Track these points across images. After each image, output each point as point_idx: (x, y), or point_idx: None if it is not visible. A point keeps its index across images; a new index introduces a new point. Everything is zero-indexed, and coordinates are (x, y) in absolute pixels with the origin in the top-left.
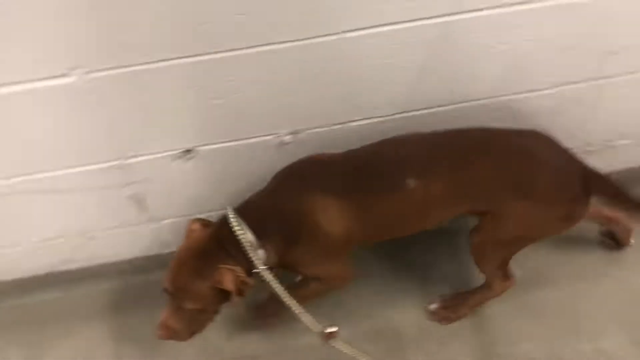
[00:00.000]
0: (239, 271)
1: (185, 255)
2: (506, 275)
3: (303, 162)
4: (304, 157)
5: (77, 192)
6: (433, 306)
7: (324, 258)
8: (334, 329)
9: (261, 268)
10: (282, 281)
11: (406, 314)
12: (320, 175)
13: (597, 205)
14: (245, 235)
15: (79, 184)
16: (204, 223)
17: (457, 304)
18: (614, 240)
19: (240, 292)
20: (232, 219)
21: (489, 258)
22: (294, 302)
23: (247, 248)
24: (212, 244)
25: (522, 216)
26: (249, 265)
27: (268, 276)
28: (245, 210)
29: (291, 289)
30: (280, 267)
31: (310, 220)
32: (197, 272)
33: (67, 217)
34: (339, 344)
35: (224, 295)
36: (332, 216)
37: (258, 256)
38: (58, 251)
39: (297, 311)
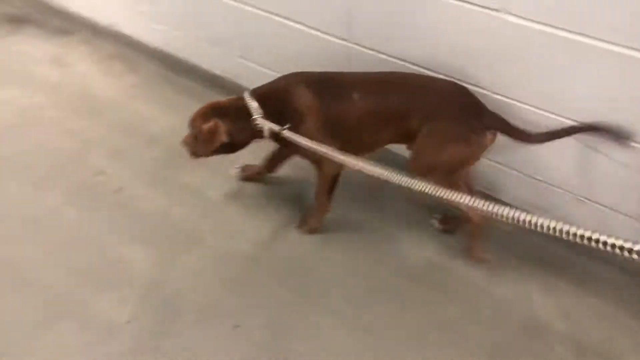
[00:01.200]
0: (221, 126)
1: (208, 107)
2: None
3: (297, 72)
4: (297, 71)
5: None
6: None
7: (305, 136)
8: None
9: (258, 117)
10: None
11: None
12: (305, 78)
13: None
14: (253, 103)
15: None
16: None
17: (472, 246)
18: (449, 226)
19: (211, 135)
20: (246, 96)
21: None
22: (295, 137)
23: (253, 111)
24: (223, 107)
25: (431, 138)
26: (245, 131)
27: (264, 123)
28: (255, 93)
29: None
30: (278, 141)
31: (295, 103)
32: (204, 116)
33: None
34: (289, 134)
35: (212, 138)
36: (309, 104)
37: (259, 113)
38: None
39: (269, 125)
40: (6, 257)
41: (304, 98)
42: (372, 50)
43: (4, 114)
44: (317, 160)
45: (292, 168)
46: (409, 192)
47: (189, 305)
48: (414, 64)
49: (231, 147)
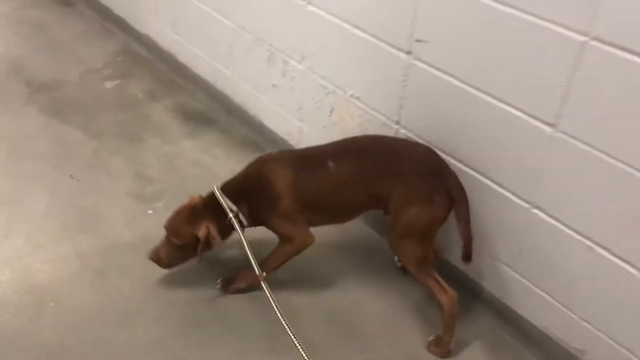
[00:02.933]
0: (212, 229)
1: (184, 209)
2: (444, 288)
3: (263, 155)
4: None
5: None
6: (431, 338)
7: (282, 217)
8: (264, 274)
9: (231, 216)
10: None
11: None
12: (277, 159)
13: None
14: (225, 201)
15: None
16: (201, 196)
17: (442, 337)
18: None
19: (207, 244)
20: (217, 192)
21: (405, 255)
22: (248, 246)
23: (225, 207)
24: (202, 207)
25: (399, 200)
26: (226, 228)
27: (235, 224)
28: (225, 187)
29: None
30: (254, 225)
31: (269, 185)
32: (187, 221)
33: None
34: (265, 287)
35: (197, 243)
36: (284, 182)
37: (232, 212)
38: None
39: (249, 252)
40: None
41: (283, 178)
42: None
43: None
44: (288, 233)
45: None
46: None
47: None
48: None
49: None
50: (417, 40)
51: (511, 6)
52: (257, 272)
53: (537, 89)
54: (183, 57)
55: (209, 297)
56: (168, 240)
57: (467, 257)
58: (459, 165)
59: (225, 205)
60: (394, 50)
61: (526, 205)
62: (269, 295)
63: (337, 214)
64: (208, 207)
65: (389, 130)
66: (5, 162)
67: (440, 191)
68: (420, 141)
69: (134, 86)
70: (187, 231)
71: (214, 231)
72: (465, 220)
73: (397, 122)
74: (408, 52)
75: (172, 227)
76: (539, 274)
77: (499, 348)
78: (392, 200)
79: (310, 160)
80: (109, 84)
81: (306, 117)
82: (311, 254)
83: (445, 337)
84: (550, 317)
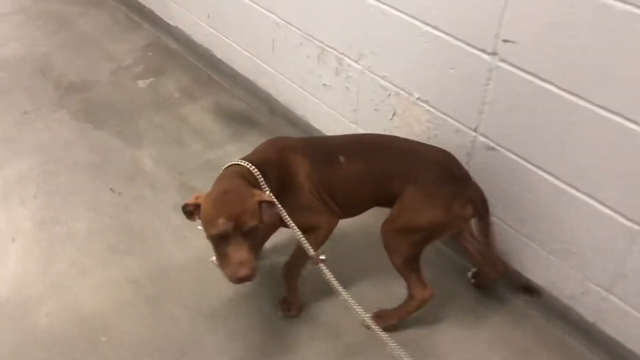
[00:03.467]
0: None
1: (226, 195)
2: (424, 284)
3: (279, 137)
4: (277, 137)
5: None
6: (368, 315)
7: (305, 208)
8: (323, 257)
9: (269, 193)
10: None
11: None
12: (295, 147)
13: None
14: (260, 176)
15: None
16: (199, 195)
17: (387, 315)
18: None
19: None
20: (249, 166)
21: (396, 248)
22: (295, 225)
23: (263, 182)
24: (243, 183)
25: (411, 200)
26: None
27: (273, 198)
28: (254, 163)
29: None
30: None
31: (291, 174)
32: (242, 197)
33: None
34: (325, 269)
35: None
36: (304, 171)
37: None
38: None
39: (297, 233)
40: None
41: (302, 166)
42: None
43: None
44: (312, 221)
45: None
46: None
47: None
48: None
49: None
50: (505, 40)
51: (630, 3)
52: (313, 254)
53: None
54: (220, 52)
55: (271, 322)
56: (243, 234)
57: (497, 271)
58: (549, 178)
59: (262, 180)
60: (475, 51)
61: (637, 228)
62: (329, 277)
63: (344, 208)
64: (244, 178)
65: (465, 137)
66: (41, 174)
67: (460, 199)
68: (504, 151)
69: (168, 84)
70: (254, 203)
71: (268, 196)
72: (486, 236)
73: (475, 129)
74: (492, 53)
75: (241, 211)
76: None
77: None
78: (401, 200)
79: (323, 151)
80: (142, 83)
81: (362, 119)
82: (384, 276)
83: (392, 320)
84: None
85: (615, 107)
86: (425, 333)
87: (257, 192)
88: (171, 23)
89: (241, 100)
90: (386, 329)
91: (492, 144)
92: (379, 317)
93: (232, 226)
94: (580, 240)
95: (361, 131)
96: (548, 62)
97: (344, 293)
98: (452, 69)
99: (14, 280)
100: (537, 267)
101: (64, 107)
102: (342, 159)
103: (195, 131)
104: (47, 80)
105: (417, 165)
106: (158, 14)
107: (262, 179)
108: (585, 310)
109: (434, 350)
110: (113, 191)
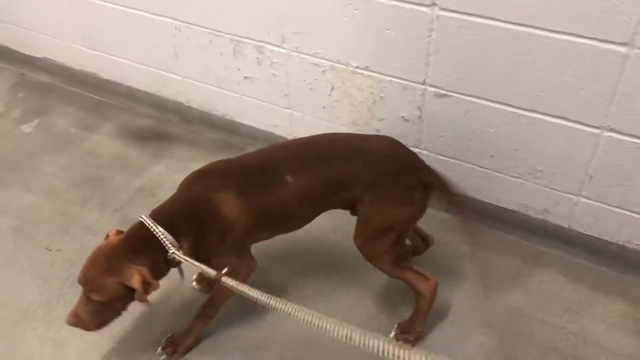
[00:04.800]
0: (146, 272)
1: (99, 253)
2: (424, 276)
3: (202, 170)
4: (201, 167)
5: None
6: (392, 334)
7: (229, 248)
8: (224, 271)
9: (173, 251)
10: None
11: None
12: (219, 177)
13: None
14: (160, 232)
15: None
16: (119, 231)
17: (410, 325)
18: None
19: (145, 291)
20: (148, 222)
21: (378, 255)
22: (204, 266)
23: (162, 240)
24: (125, 246)
25: (373, 205)
26: (159, 265)
27: (181, 256)
28: (158, 215)
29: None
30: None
31: (216, 214)
32: (108, 269)
33: None
34: (228, 282)
35: (130, 293)
36: (233, 209)
37: (173, 245)
38: None
39: (198, 267)
40: None
41: (229, 206)
42: None
43: None
44: (234, 265)
45: None
46: None
47: None
48: None
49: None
50: None
51: None
52: (215, 273)
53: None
54: (107, 73)
55: None
56: (87, 297)
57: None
58: (507, 108)
59: (163, 238)
60: (412, 6)
61: (597, 132)
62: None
63: (294, 224)
64: (132, 245)
65: (414, 92)
66: None
67: (418, 188)
68: (456, 95)
69: (58, 121)
70: (112, 283)
71: (148, 276)
72: (461, 204)
73: (423, 82)
74: (432, 5)
75: (90, 280)
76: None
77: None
78: (363, 205)
79: (261, 176)
80: (27, 128)
81: (297, 102)
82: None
83: (417, 327)
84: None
85: (562, 27)
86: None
87: (129, 272)
88: (37, 55)
89: (146, 116)
90: (417, 339)
91: (442, 92)
92: (405, 331)
93: (83, 282)
94: (547, 158)
95: (298, 114)
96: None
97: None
98: (388, 29)
99: None
100: (510, 193)
101: None
102: (289, 178)
103: (110, 163)
104: None
105: (369, 165)
106: (16, 49)
107: (166, 239)
108: (560, 218)
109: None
110: (50, 250)
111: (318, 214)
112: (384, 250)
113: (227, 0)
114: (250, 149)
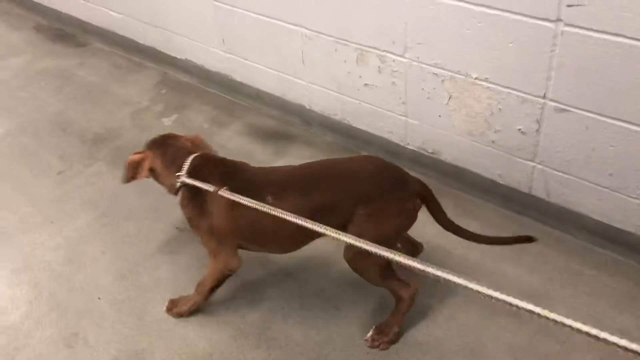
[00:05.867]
0: (154, 161)
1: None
2: (406, 283)
3: (222, 159)
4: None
5: None
6: (368, 335)
7: (211, 235)
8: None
9: (183, 178)
10: None
11: None
12: (224, 173)
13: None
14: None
15: None
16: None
17: (387, 326)
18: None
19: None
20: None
21: (366, 267)
22: (204, 184)
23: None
24: (169, 147)
25: (366, 220)
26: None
27: (187, 180)
28: (202, 156)
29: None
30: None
31: (208, 204)
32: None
33: None
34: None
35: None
36: (221, 208)
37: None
38: None
39: (200, 185)
40: None
41: (217, 204)
42: None
43: None
44: (212, 251)
45: None
46: None
47: None
48: None
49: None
50: (569, 5)
51: None
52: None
53: None
54: (239, 75)
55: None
56: None
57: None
58: (630, 126)
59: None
60: (537, 21)
61: None
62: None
63: (282, 247)
64: (173, 149)
65: (533, 105)
66: (101, 229)
67: (409, 199)
68: (577, 111)
69: (194, 117)
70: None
71: (151, 163)
72: (443, 215)
73: (543, 96)
74: (557, 20)
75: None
76: None
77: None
78: (353, 224)
79: (249, 191)
80: (167, 121)
81: (413, 110)
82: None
83: (395, 327)
84: None
85: None
86: None
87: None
88: (179, 57)
89: (271, 117)
90: (393, 341)
91: (562, 106)
92: (381, 332)
93: None
94: None
95: (413, 122)
96: (616, 16)
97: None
98: (511, 43)
99: (116, 340)
100: (627, 215)
101: (97, 159)
102: (269, 199)
103: (237, 155)
104: (70, 136)
105: (358, 184)
106: (162, 50)
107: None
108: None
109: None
110: (180, 230)
111: (306, 240)
112: (373, 263)
113: (353, 11)
114: (364, 153)
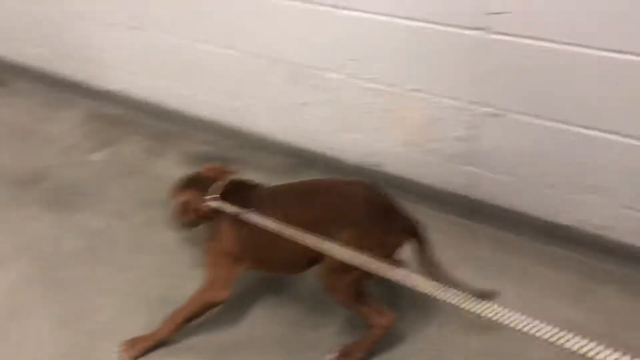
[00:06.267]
0: (196, 201)
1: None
2: (380, 311)
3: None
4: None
5: None
6: (331, 356)
7: (214, 258)
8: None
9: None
10: None
11: None
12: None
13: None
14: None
15: None
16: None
17: (352, 350)
18: None
19: (185, 211)
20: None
21: (337, 288)
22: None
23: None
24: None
25: (349, 240)
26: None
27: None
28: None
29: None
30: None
31: (218, 225)
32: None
33: None
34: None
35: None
36: (228, 230)
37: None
38: None
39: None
40: None
41: (225, 225)
42: None
43: None
44: (207, 275)
45: None
46: None
47: None
48: None
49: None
50: (495, 13)
51: None
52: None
53: None
54: (171, 103)
55: None
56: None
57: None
58: (565, 127)
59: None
60: (465, 31)
61: None
62: None
63: (284, 265)
64: (203, 183)
65: (468, 112)
66: (43, 274)
67: (393, 233)
68: (511, 114)
69: (127, 149)
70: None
71: (196, 204)
72: (429, 261)
73: (476, 103)
74: (483, 29)
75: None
76: None
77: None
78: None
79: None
80: (97, 156)
81: (352, 125)
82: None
83: (358, 353)
84: None
85: (615, 46)
86: None
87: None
88: (106, 89)
89: (207, 143)
90: None
91: (496, 111)
92: (345, 354)
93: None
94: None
95: (356, 136)
96: (540, 22)
97: None
98: (441, 53)
99: None
100: (566, 210)
101: (30, 202)
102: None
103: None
104: None
105: (350, 206)
106: (90, 84)
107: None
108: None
109: None
110: (122, 269)
111: (304, 258)
112: (346, 284)
113: (286, 30)
114: (307, 172)
